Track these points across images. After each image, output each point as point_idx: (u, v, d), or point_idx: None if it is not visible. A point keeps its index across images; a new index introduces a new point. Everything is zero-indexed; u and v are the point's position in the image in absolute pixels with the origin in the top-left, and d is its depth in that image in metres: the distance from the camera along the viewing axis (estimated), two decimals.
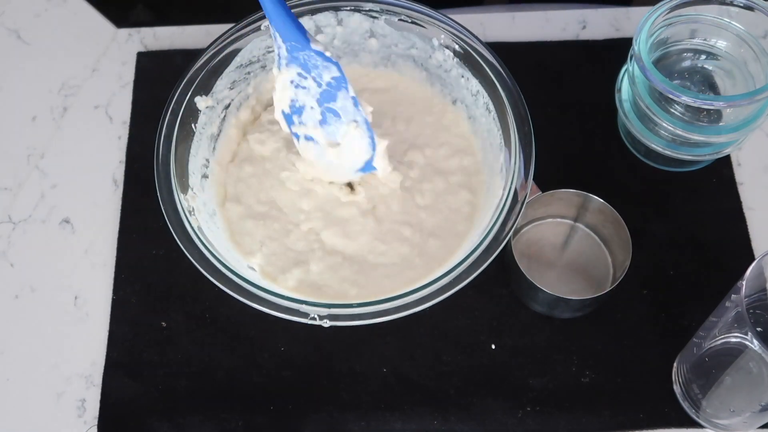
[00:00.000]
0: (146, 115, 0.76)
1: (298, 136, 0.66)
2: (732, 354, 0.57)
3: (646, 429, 0.64)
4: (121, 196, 0.73)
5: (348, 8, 0.69)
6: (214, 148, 0.68)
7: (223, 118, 0.69)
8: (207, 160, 0.67)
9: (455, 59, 0.68)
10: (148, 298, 0.69)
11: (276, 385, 0.66)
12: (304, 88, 0.63)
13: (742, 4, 0.66)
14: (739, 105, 0.62)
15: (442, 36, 0.68)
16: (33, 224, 0.73)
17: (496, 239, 0.59)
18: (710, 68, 0.70)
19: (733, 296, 0.54)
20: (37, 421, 0.66)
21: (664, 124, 0.66)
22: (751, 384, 0.59)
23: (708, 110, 0.67)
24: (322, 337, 0.66)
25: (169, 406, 0.65)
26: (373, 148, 0.64)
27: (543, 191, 0.67)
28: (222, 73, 0.67)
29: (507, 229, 0.60)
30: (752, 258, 0.69)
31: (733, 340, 0.57)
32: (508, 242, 0.63)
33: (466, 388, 0.65)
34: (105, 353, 0.67)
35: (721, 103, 0.63)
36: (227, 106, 0.69)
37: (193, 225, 0.61)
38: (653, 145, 0.69)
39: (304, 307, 0.58)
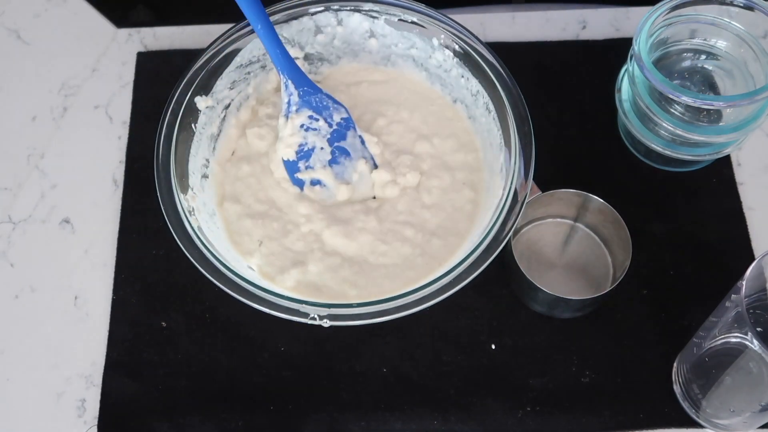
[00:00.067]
0: (146, 115, 0.76)
1: (302, 183, 0.67)
2: (732, 354, 0.57)
3: (646, 429, 0.64)
4: (121, 196, 0.73)
5: (348, 8, 0.69)
6: (214, 148, 0.68)
7: (223, 118, 0.69)
8: (207, 160, 0.67)
9: (455, 59, 0.68)
10: (148, 298, 0.69)
11: (276, 385, 0.65)
12: (314, 129, 0.66)
13: (742, 4, 0.66)
14: (739, 105, 0.62)
15: (442, 36, 0.68)
16: (33, 224, 0.73)
17: (496, 239, 0.59)
18: (710, 68, 0.70)
19: (733, 296, 0.54)
20: (37, 421, 0.66)
21: (664, 124, 0.66)
22: (751, 384, 0.59)
23: (708, 110, 0.67)
24: (322, 337, 0.66)
25: (169, 406, 0.65)
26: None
27: (543, 191, 0.67)
28: (222, 73, 0.67)
29: (507, 229, 0.60)
30: (752, 258, 0.69)
31: (733, 340, 0.57)
32: (508, 242, 0.63)
33: (466, 388, 0.65)
34: (105, 353, 0.67)
35: (721, 103, 0.63)
36: (227, 106, 0.69)
37: (193, 225, 0.61)
38: (653, 145, 0.69)
39: (304, 307, 0.58)
